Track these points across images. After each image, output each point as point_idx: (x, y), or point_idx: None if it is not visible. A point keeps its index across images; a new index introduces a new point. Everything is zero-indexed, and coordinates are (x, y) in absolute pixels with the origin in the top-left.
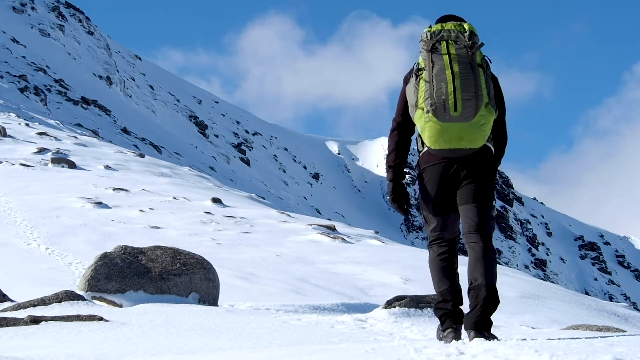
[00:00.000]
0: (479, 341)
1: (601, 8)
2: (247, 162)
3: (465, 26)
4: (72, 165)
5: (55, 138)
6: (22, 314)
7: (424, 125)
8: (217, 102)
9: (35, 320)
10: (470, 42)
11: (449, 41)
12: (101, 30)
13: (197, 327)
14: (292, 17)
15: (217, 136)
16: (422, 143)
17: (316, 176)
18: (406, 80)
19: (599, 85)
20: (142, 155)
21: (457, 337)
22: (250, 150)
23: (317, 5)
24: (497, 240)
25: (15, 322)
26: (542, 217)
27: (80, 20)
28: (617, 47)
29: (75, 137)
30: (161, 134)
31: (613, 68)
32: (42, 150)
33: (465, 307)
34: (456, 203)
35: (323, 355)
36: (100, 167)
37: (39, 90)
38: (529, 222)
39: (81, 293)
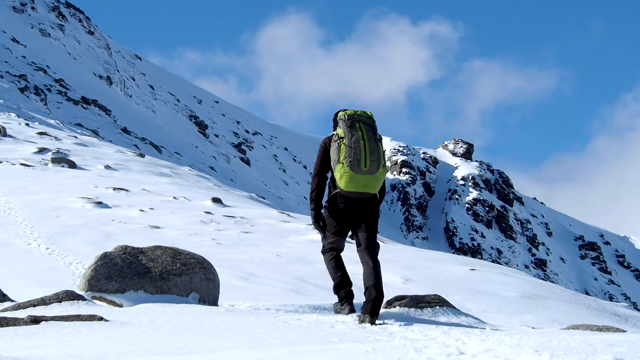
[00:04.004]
0: (479, 341)
1: (620, 5)
2: (247, 162)
3: (369, 113)
4: (72, 165)
5: (56, 138)
6: (22, 313)
7: (343, 174)
8: (217, 102)
9: (36, 320)
10: (374, 124)
11: (361, 122)
12: (101, 30)
13: (197, 327)
14: (311, 16)
15: (217, 136)
16: (334, 186)
17: None
18: (324, 146)
19: (616, 82)
20: (142, 155)
21: (352, 309)
22: (250, 150)
23: (337, 3)
24: (498, 240)
25: (15, 322)
26: (543, 217)
27: (80, 20)
28: (634, 44)
29: (76, 137)
30: (161, 133)
31: (630, 64)
32: (42, 150)
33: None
34: (349, 230)
35: (323, 355)
36: (101, 167)
37: (39, 90)
38: (529, 222)
39: (81, 293)
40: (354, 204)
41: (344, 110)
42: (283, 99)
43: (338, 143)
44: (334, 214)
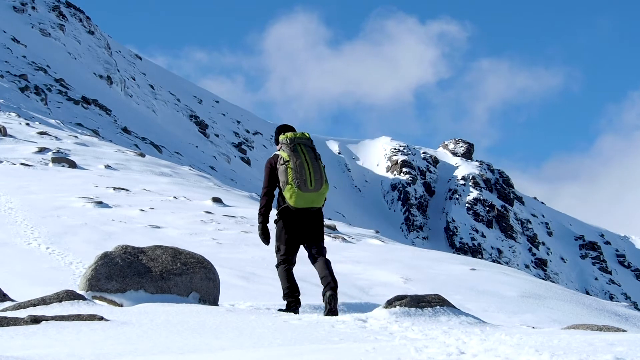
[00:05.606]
0: (479, 340)
1: (627, 3)
2: (248, 162)
3: (307, 135)
4: (72, 164)
5: (56, 137)
6: (22, 313)
7: (292, 194)
8: (217, 102)
9: (36, 320)
10: (312, 145)
11: (302, 145)
12: (102, 30)
13: (197, 327)
14: (319, 15)
15: (217, 135)
16: (283, 202)
17: None
18: (270, 166)
19: (623, 80)
20: (142, 155)
21: (297, 312)
22: (250, 149)
23: (344, 2)
24: (498, 239)
25: (15, 321)
26: (543, 216)
27: (80, 20)
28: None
29: (76, 137)
30: (162, 133)
31: (637, 62)
32: (42, 150)
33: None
34: (300, 242)
35: (324, 355)
36: (101, 167)
37: (39, 89)
38: (530, 222)
39: (82, 292)
40: (302, 215)
41: (284, 132)
42: (290, 98)
43: (285, 166)
44: (285, 226)
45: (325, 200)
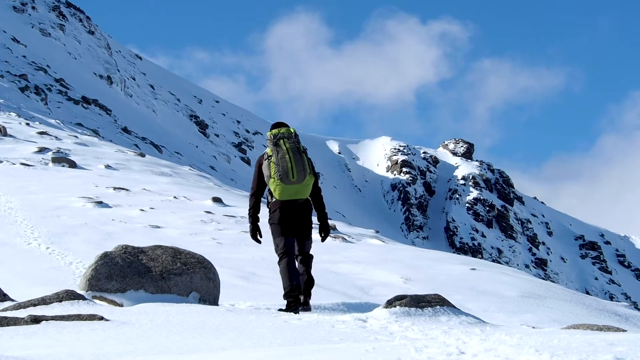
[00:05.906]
0: (480, 340)
1: (627, 3)
2: (248, 162)
3: (292, 130)
4: (72, 164)
5: (56, 137)
6: (22, 313)
7: (276, 187)
8: (217, 102)
9: (36, 320)
10: (296, 139)
11: (284, 139)
12: (102, 30)
13: (197, 327)
14: (320, 15)
15: (217, 135)
16: (272, 196)
17: None
18: (259, 163)
19: (625, 80)
20: (142, 155)
21: (297, 312)
22: (250, 149)
23: (346, 2)
24: (498, 239)
25: (15, 321)
26: (543, 216)
27: (80, 20)
28: None
29: (76, 137)
30: (162, 133)
31: (638, 62)
32: (42, 150)
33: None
34: (294, 231)
35: (324, 355)
36: (101, 167)
37: (39, 89)
38: (530, 222)
39: (82, 292)
40: (289, 207)
41: (271, 130)
42: (291, 98)
43: (268, 161)
44: (276, 219)
45: (320, 192)
